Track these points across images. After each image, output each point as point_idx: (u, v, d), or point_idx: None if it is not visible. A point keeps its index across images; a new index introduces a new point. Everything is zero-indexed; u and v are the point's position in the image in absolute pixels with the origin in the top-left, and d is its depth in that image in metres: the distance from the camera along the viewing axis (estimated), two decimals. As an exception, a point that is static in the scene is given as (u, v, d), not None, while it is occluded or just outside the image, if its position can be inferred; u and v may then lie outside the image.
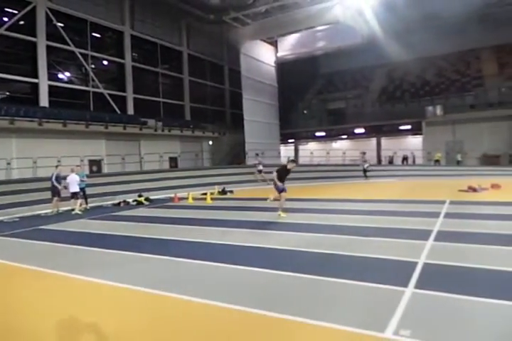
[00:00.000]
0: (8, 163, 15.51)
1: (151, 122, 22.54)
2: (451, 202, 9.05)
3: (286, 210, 8.74)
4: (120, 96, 22.41)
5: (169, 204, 12.23)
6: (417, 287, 3.76)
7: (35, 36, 17.72)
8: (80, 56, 19.90)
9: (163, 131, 22.78)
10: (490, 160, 23.32)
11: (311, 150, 27.87)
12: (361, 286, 3.87)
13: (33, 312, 3.62)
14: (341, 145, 30.86)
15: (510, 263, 4.41)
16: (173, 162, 23.70)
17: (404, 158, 26.38)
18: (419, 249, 5.14)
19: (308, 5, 22.15)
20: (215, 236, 6.65)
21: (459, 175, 18.41)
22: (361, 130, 29.60)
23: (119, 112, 21.65)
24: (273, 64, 28.96)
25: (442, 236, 5.90)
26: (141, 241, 6.62)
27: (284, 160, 29.85)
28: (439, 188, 13.00)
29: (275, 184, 8.53)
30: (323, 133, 31.49)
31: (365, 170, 19.51)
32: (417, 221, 7.16)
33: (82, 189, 11.46)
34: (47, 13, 18.15)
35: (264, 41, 27.83)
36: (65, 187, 10.90)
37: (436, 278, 4.07)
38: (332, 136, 31.35)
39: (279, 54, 29.59)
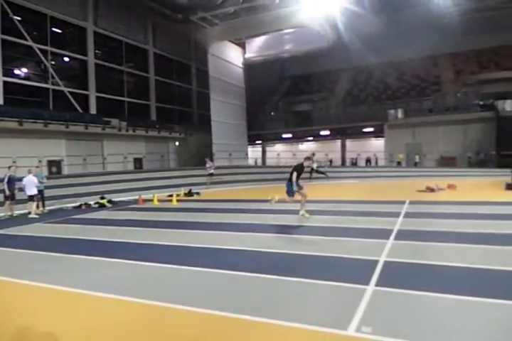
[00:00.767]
0: (-42, 164, 14.53)
1: (115, 122, 21.88)
2: (411, 202, 9.43)
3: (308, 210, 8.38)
4: (82, 94, 21.61)
5: (133, 206, 11.92)
6: (378, 284, 3.86)
7: (-12, 30, 16.77)
8: (38, 52, 18.98)
9: (127, 131, 22.18)
10: (446, 161, 24.54)
11: (278, 152, 28.15)
12: (324, 285, 3.93)
13: (-18, 323, 3.40)
14: (307, 146, 31.39)
15: (464, 260, 4.64)
16: (138, 163, 23.13)
17: (368, 160, 27.23)
18: (381, 247, 5.30)
19: (277, 8, 22.36)
20: (178, 238, 6.55)
21: (418, 176, 19.23)
22: (327, 132, 30.25)
23: (80, 111, 20.86)
24: (241, 65, 29.01)
25: (402, 235, 6.12)
26: (102, 244, 6.40)
27: (251, 162, 30.00)
28: (399, 189, 13.53)
29: (295, 185, 7.99)
30: (289, 135, 31.88)
31: (314, 171, 19.05)
32: (379, 221, 7.40)
33: (40, 191, 10.91)
34: (2, 6, 17.20)
35: (232, 42, 27.83)
36: (21, 189, 10.33)
37: (396, 275, 4.21)
38: (298, 137, 31.83)
39: (247, 55, 29.70)
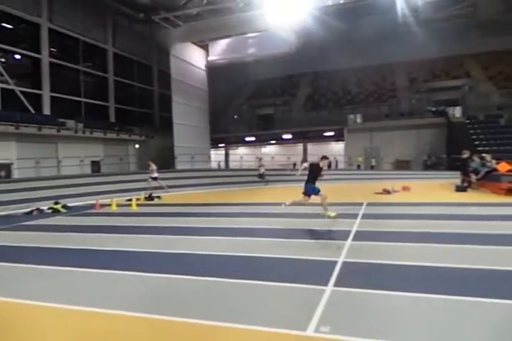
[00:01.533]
0: None
1: (71, 123, 20.99)
2: (368, 204, 9.77)
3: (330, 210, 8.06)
4: (35, 94, 20.55)
5: (90, 211, 11.44)
6: (336, 285, 3.93)
7: None
8: (-15, 48, 17.89)
9: (84, 133, 21.33)
10: (401, 164, 25.72)
11: (241, 155, 28.20)
12: (283, 287, 3.96)
13: None
14: (270, 150, 31.72)
15: (418, 258, 4.83)
16: (96, 166, 22.29)
17: (329, 163, 27.92)
18: (339, 248, 5.43)
19: (240, 11, 22.48)
20: (138, 243, 6.36)
21: (375, 178, 19.98)
22: (289, 135, 30.74)
23: (33, 111, 19.80)
24: (204, 68, 28.84)
25: (360, 235, 6.31)
26: (55, 252, 6.08)
27: (214, 165, 29.84)
28: (357, 191, 13.99)
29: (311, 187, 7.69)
30: (252, 138, 32.08)
31: (261, 175, 19.24)
32: (337, 222, 7.59)
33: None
34: None
35: (195, 44, 27.63)
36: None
37: (354, 275, 4.31)
38: (261, 141, 32.11)
39: (210, 58, 29.59)
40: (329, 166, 28.60)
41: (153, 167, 15.78)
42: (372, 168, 25.94)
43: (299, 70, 35.59)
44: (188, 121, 24.99)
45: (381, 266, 4.64)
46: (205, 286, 4.11)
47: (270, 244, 6.03)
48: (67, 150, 20.48)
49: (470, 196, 11.38)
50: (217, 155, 31.64)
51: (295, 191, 15.88)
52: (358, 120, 28.81)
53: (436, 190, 13.66)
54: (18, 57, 20.55)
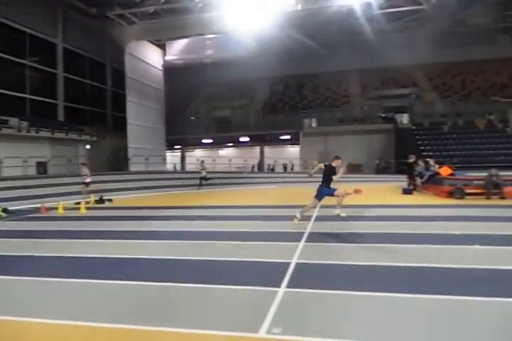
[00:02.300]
0: None
1: (14, 121, 19.62)
2: (321, 206, 10.01)
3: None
4: (-28, 89, 19.03)
5: (34, 215, 10.74)
6: (289, 286, 3.99)
7: None
8: None
9: (29, 132, 20.03)
10: (354, 168, 26.68)
11: (198, 157, 27.86)
12: (236, 290, 3.96)
13: None
14: (227, 152, 31.66)
15: (369, 258, 5.03)
16: (42, 167, 20.97)
17: (285, 166, 28.39)
18: (292, 250, 5.52)
19: (199, 12, 22.27)
20: (86, 248, 6.07)
21: (329, 181, 20.55)
22: (246, 138, 30.88)
23: (-30, 108, 18.32)
24: (160, 67, 28.24)
25: (313, 237, 6.46)
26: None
27: (169, 167, 29.24)
28: (311, 193, 14.26)
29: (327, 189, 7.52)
30: (210, 141, 31.87)
31: (203, 178, 18.62)
32: (291, 224, 7.71)
33: None
34: None
35: (152, 43, 27.00)
36: None
37: (306, 276, 4.40)
38: (219, 143, 31.98)
39: (168, 58, 29.03)
40: (272, 169, 28.96)
41: (86, 171, 14.26)
42: (325, 171, 26.76)
43: (258, 74, 35.88)
44: (142, 121, 24.32)
45: (333, 266, 4.78)
46: (156, 292, 4.01)
47: (224, 247, 6.01)
48: (10, 149, 19.08)
49: (415, 198, 12.06)
50: (173, 157, 31.03)
51: (252, 193, 16.00)
52: (314, 124, 29.57)
53: (385, 192, 14.34)
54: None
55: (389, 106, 31.63)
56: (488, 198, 11.03)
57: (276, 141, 30.79)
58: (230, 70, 35.59)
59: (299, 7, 28.59)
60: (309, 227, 7.34)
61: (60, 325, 3.23)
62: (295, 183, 20.78)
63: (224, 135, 31.56)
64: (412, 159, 14.08)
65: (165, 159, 27.39)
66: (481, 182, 11.46)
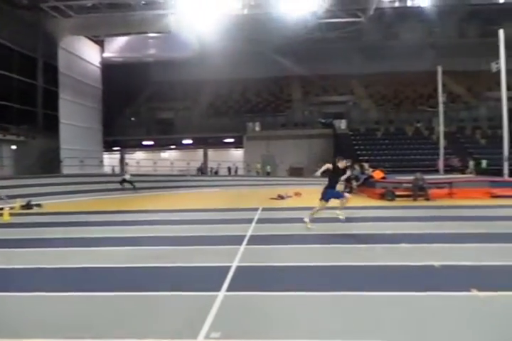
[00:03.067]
0: None
1: None
2: (263, 209, 10.19)
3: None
4: None
5: None
6: (229, 290, 3.98)
7: None
8: None
9: None
10: (295, 171, 27.51)
11: (138, 160, 26.89)
12: (175, 296, 3.88)
13: None
14: (170, 155, 30.96)
15: (310, 259, 5.18)
16: (-42, 169, 18.90)
17: (229, 169, 28.43)
18: (234, 253, 5.52)
19: (141, 9, 21.60)
20: (9, 259, 5.57)
21: (272, 184, 20.99)
22: (189, 141, 30.45)
23: None
24: (98, 64, 26.90)
25: (254, 240, 6.52)
26: None
27: (107, 170, 27.83)
28: (254, 196, 14.50)
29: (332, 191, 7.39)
30: (151, 143, 30.94)
31: (125, 181, 17.87)
32: (233, 227, 7.74)
33: None
34: None
35: (89, 39, 25.62)
36: None
37: (247, 279, 4.42)
38: (161, 145, 31.17)
39: (107, 55, 27.72)
40: (216, 172, 28.89)
41: None
42: (268, 174, 27.22)
43: (203, 76, 35.62)
44: (77, 121, 22.93)
45: (274, 268, 4.86)
46: (90, 303, 3.79)
47: (163, 252, 5.85)
48: None
49: (351, 200, 12.66)
50: (111, 160, 29.61)
51: (194, 197, 15.79)
52: (257, 128, 30.01)
53: (323, 195, 14.91)
54: None
55: (328, 112, 33.10)
56: (414, 200, 11.94)
57: (220, 144, 30.75)
58: (174, 71, 34.95)
59: (245, 11, 28.93)
60: (251, 230, 7.40)
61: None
62: (239, 186, 20.88)
63: (166, 137, 30.81)
64: (348, 163, 14.80)
65: (102, 161, 26.04)
66: (409, 185, 12.39)
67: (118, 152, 31.24)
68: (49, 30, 22.93)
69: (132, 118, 34.02)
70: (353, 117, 31.27)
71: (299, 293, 3.87)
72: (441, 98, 21.96)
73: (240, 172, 28.75)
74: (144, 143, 30.89)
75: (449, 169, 21.26)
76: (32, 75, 26.66)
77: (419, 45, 36.23)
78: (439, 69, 21.71)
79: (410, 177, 12.70)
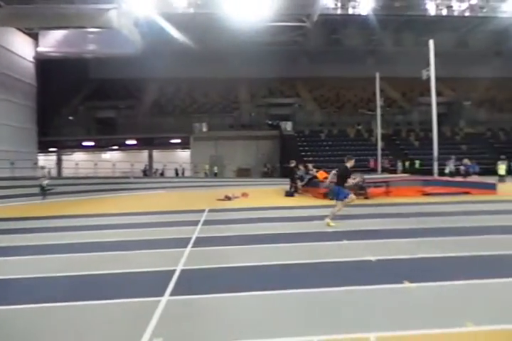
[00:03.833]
0: None
1: None
2: (210, 210, 10.10)
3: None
4: None
5: None
6: (172, 294, 3.89)
7: None
8: None
9: None
10: (243, 172, 27.67)
11: (77, 161, 25.37)
12: (116, 304, 3.71)
13: None
14: (112, 156, 29.62)
15: (255, 259, 5.23)
16: None
17: (176, 171, 27.86)
18: (178, 256, 5.41)
19: (80, 2, 20.46)
20: None
21: (219, 185, 20.92)
22: (133, 141, 29.40)
23: None
24: (31, 59, 25.03)
25: (200, 242, 6.44)
26: None
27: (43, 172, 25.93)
28: (201, 198, 14.33)
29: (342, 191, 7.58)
30: (91, 143, 29.39)
31: (43, 188, 15.84)
32: (178, 230, 7.59)
33: None
34: None
35: (21, 31, 23.76)
36: None
37: (192, 282, 4.35)
38: (102, 146, 29.74)
39: (41, 49, 25.87)
40: (162, 174, 28.17)
41: None
42: (215, 175, 27.10)
43: (147, 74, 34.52)
44: (7, 120, 21.17)
45: (220, 269, 4.83)
46: (22, 316, 3.50)
47: (104, 258, 5.58)
48: None
49: (296, 200, 13.04)
50: (47, 162, 27.65)
51: (138, 199, 15.23)
52: (204, 129, 29.74)
53: (269, 195, 15.16)
54: None
55: (275, 114, 33.73)
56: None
57: (165, 145, 30.02)
58: (116, 68, 33.57)
59: (192, 10, 28.60)
60: (197, 232, 7.31)
61: None
62: (186, 188, 20.52)
63: (108, 137, 29.44)
64: (292, 164, 15.20)
65: (36, 163, 24.23)
66: (350, 184, 12.97)
67: (55, 153, 29.27)
68: (-26, 20, 20.97)
69: (70, 118, 32.05)
70: (298, 119, 32.13)
71: (243, 294, 3.88)
72: (379, 102, 23.31)
73: (187, 173, 28.29)
74: (84, 143, 29.26)
75: (381, 169, 22.72)
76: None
77: (360, 51, 38.19)
78: (377, 75, 23.03)
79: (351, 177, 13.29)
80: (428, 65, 16.48)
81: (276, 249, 5.86)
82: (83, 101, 34.24)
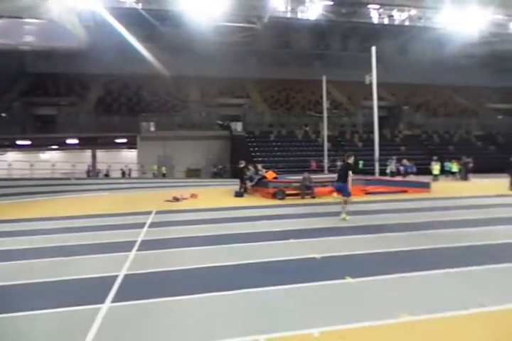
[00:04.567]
0: None
1: None
2: (157, 212, 9.84)
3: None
4: None
5: None
6: (114, 301, 3.77)
7: None
8: None
9: None
10: (192, 173, 27.29)
11: (10, 162, 23.44)
12: (54, 313, 3.52)
13: None
14: (51, 156, 27.83)
15: (203, 261, 5.17)
16: None
17: (122, 171, 26.81)
18: (122, 261, 5.22)
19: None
20: None
21: (168, 186, 20.41)
22: (75, 140, 27.82)
23: None
24: (-44, 49, 22.78)
25: (146, 245, 6.25)
26: None
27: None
28: (148, 199, 13.91)
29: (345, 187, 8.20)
30: (27, 142, 27.36)
31: None
32: (123, 233, 7.30)
33: None
34: None
35: None
36: None
37: (135, 287, 4.23)
38: (40, 145, 27.82)
39: (-33, 39, 23.64)
40: (106, 175, 27.01)
41: None
42: (164, 176, 26.47)
43: (91, 70, 32.87)
44: None
45: (165, 273, 4.74)
46: None
47: (41, 265, 5.22)
48: None
49: (245, 200, 13.11)
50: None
51: (81, 202, 14.42)
52: (152, 128, 28.91)
53: (219, 196, 15.08)
54: None
55: (225, 114, 33.66)
56: (302, 198, 12.88)
57: (111, 145, 28.76)
58: (57, 63, 31.68)
59: (140, 6, 27.73)
60: (143, 235, 7.08)
61: None
62: (132, 189, 19.79)
63: (47, 136, 27.55)
64: (242, 164, 15.26)
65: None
66: (298, 184, 13.31)
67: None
68: None
69: (3, 114, 29.56)
70: (248, 120, 32.32)
71: (188, 297, 3.86)
72: (325, 105, 24.13)
73: (134, 174, 27.33)
74: (19, 142, 27.14)
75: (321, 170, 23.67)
76: None
77: (308, 55, 39.30)
78: (324, 78, 23.83)
79: (299, 177, 13.64)
80: (371, 70, 17.35)
81: (224, 250, 5.86)
82: (19, 97, 31.74)
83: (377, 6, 33.21)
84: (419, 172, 20.41)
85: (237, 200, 13.17)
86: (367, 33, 36.54)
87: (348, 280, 4.25)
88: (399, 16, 34.26)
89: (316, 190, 13.29)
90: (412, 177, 18.80)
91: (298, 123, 32.87)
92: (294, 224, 7.99)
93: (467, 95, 42.03)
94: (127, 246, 6.08)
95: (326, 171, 22.95)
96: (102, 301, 3.74)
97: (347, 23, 34.44)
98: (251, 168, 15.73)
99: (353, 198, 9.07)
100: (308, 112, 34.78)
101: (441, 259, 5.07)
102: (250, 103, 36.71)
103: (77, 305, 3.66)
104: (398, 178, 18.28)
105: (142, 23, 30.10)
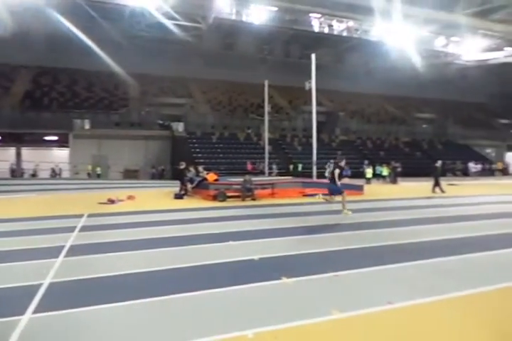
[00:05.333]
0: None
1: None
2: (90, 215, 9.29)
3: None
4: None
5: None
6: (36, 312, 3.52)
7: None
8: None
9: None
10: (130, 174, 26.21)
11: None
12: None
13: None
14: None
15: (136, 266, 4.97)
16: None
17: (53, 171, 24.96)
18: (47, 268, 4.86)
19: None
20: None
21: (103, 188, 19.36)
22: (-4, 137, 25.40)
23: None
24: None
25: (75, 250, 5.88)
26: None
27: None
28: (80, 202, 13.07)
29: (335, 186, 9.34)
30: None
31: None
32: (50, 238, 6.78)
33: None
34: None
35: None
36: None
37: (61, 296, 3.98)
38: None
39: None
40: (34, 175, 25.07)
41: None
42: (98, 176, 25.10)
43: (18, 60, 30.25)
44: None
45: (94, 280, 4.50)
46: None
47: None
48: None
49: (185, 202, 12.87)
50: None
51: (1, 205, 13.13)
52: (86, 126, 27.27)
53: (158, 198, 14.64)
54: None
55: (166, 114, 32.80)
56: (243, 200, 12.96)
57: (39, 142, 26.63)
58: (-24, 51, 28.62)
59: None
60: (72, 239, 6.64)
61: None
62: (63, 190, 18.47)
63: (-38, 131, 24.86)
64: (182, 165, 14.97)
65: None
66: (239, 186, 13.38)
67: None
68: None
69: None
70: (190, 120, 31.84)
71: (119, 304, 3.71)
72: (267, 108, 24.57)
73: (66, 174, 25.56)
74: None
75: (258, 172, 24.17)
76: None
77: (252, 58, 39.72)
78: (266, 82, 24.26)
79: (240, 179, 13.72)
80: (311, 76, 18.00)
81: (159, 254, 5.70)
82: None
83: (319, 15, 34.58)
84: (353, 176, 21.55)
85: (176, 202, 12.89)
86: (308, 41, 37.86)
87: (284, 280, 4.36)
88: (338, 27, 35.98)
89: (257, 192, 13.46)
90: (346, 180, 19.79)
91: (240, 125, 33.07)
92: (234, 226, 8.01)
93: (397, 104, 45.33)
94: (54, 252, 5.67)
95: (266, 174, 23.33)
96: (22, 313, 3.46)
97: (290, 29, 35.40)
98: (192, 169, 15.49)
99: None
100: (250, 115, 35.16)
101: (370, 257, 5.40)
102: (192, 103, 36.20)
103: (-7, 318, 3.34)
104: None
105: (80, 13, 28.37)
